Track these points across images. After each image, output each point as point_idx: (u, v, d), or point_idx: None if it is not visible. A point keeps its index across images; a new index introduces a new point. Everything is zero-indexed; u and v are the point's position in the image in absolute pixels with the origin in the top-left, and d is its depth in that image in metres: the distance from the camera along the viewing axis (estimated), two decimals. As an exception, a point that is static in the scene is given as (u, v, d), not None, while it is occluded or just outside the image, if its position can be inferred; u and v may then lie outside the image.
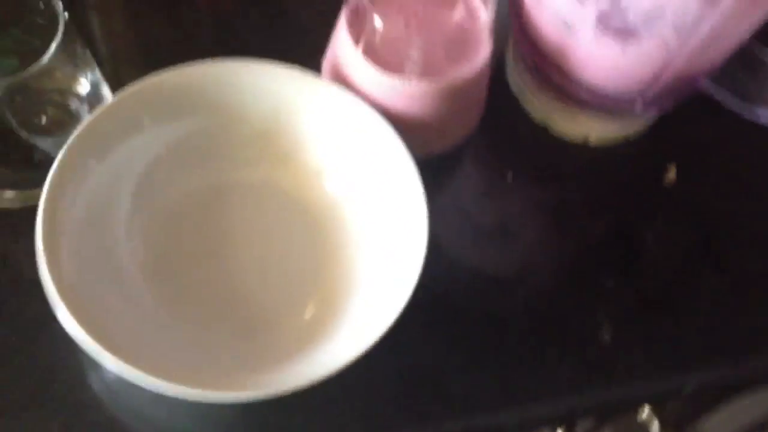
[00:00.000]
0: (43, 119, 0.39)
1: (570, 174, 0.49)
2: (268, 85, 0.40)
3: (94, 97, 0.41)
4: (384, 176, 0.41)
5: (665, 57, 0.40)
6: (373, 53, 0.41)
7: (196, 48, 0.48)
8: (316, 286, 0.41)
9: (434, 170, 0.45)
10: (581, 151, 0.49)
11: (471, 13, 0.42)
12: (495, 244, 0.46)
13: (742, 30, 0.40)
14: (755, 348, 0.44)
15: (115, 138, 0.38)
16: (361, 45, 0.41)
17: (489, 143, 0.49)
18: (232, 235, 0.41)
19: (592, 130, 0.49)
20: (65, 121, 0.40)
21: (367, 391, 0.40)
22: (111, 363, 0.33)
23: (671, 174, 0.49)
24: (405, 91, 0.41)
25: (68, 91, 0.40)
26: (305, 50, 0.44)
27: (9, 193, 0.40)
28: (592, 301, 0.44)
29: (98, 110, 0.37)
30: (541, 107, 0.49)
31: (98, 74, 0.41)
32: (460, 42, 0.42)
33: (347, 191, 0.42)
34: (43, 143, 0.39)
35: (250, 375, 0.36)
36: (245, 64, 0.40)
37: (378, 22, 0.40)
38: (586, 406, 0.43)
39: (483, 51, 0.42)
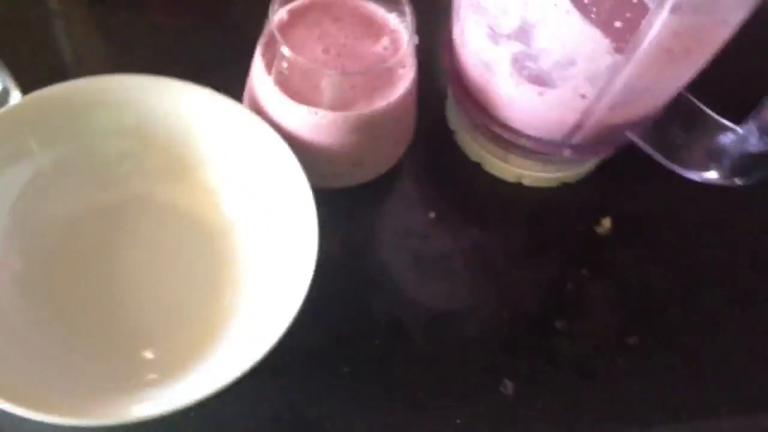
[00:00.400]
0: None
1: (497, 215, 0.47)
2: (169, 102, 0.40)
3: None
4: (280, 200, 0.40)
5: (583, 106, 0.39)
6: (286, 81, 0.40)
7: (139, 60, 0.48)
8: (201, 305, 0.40)
9: (355, 201, 0.45)
10: (514, 192, 0.48)
11: (395, 45, 0.41)
12: (406, 282, 0.45)
13: (666, 83, 0.38)
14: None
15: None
16: (273, 72, 0.40)
17: (421, 177, 0.48)
18: (123, 252, 0.40)
19: (525, 171, 0.47)
20: None
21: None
22: None
23: (606, 224, 0.47)
24: (313, 121, 0.40)
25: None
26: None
27: None
28: (497, 354, 0.43)
29: None
30: (475, 145, 0.47)
31: (6, 78, 0.40)
32: (381, 74, 0.41)
33: (243, 212, 0.41)
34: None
35: (121, 397, 0.35)
36: (146, 80, 0.39)
37: (286, 51, 0.39)
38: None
39: (401, 85, 0.41)
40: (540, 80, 0.38)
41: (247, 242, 0.41)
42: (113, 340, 0.38)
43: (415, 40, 0.40)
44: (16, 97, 0.41)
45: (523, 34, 0.36)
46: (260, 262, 0.40)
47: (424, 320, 0.43)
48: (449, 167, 0.48)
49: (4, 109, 0.38)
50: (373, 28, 0.42)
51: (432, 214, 0.46)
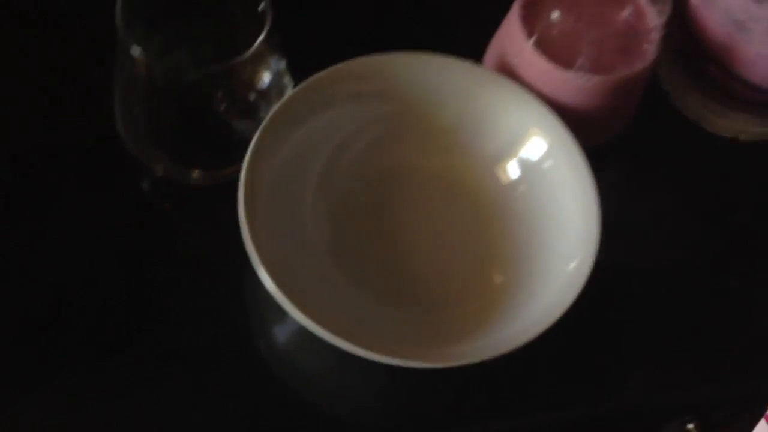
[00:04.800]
0: (239, 104, 0.42)
1: (721, 170, 0.50)
2: (450, 78, 0.43)
3: (277, 86, 0.43)
4: (554, 165, 0.42)
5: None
6: (544, 47, 0.43)
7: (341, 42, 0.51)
8: (489, 264, 0.42)
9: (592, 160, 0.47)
10: (731, 147, 0.50)
11: (639, 11, 0.44)
12: (646, 238, 0.47)
13: None
14: None
15: (308, 117, 0.41)
16: (533, 38, 0.43)
17: (641, 138, 0.50)
18: (408, 216, 0.43)
19: (745, 126, 0.49)
20: (255, 105, 0.42)
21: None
22: (300, 319, 0.36)
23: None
24: (576, 85, 0.42)
25: (259, 78, 0.43)
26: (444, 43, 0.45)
27: (197, 173, 0.44)
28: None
29: (294, 89, 0.41)
30: (693, 104, 0.50)
31: (284, 64, 0.43)
32: (627, 38, 0.43)
33: (518, 180, 0.44)
34: (239, 125, 0.42)
35: (435, 347, 0.38)
36: (430, 57, 0.43)
37: (555, 15, 0.41)
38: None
39: (651, 49, 0.43)
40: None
41: (526, 206, 0.43)
42: (415, 296, 0.42)
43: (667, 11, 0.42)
44: (287, 79, 0.44)
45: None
46: (543, 221, 0.43)
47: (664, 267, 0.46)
48: (667, 126, 0.51)
49: (322, 72, 0.42)
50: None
51: (662, 171, 0.49)
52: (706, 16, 0.44)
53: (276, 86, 0.43)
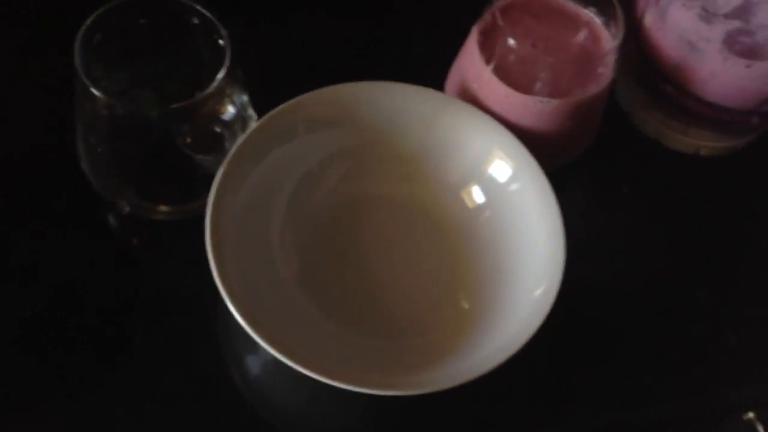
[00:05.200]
0: (203, 138, 0.42)
1: (683, 185, 0.51)
2: (412, 106, 0.43)
3: (240, 119, 0.44)
4: (518, 189, 0.43)
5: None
6: (503, 73, 0.43)
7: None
8: (456, 291, 0.43)
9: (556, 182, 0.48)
10: (693, 162, 0.51)
11: (594, 36, 0.45)
12: (611, 254, 0.48)
13: None
14: None
15: (271, 149, 0.42)
16: (492, 64, 0.43)
17: (603, 158, 0.51)
18: (375, 245, 0.44)
19: (705, 142, 0.50)
20: (220, 139, 0.43)
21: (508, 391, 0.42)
22: (271, 350, 0.36)
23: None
24: (535, 109, 0.43)
25: (222, 111, 0.43)
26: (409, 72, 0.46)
27: (163, 208, 0.44)
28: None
29: (257, 122, 0.41)
30: (653, 122, 0.51)
31: (246, 97, 0.44)
32: (583, 63, 0.44)
33: (483, 204, 0.45)
34: (204, 160, 0.42)
35: (405, 375, 0.38)
36: (391, 85, 0.43)
37: (511, 41, 0.42)
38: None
39: (606, 72, 0.44)
40: (752, 53, 0.41)
41: (491, 230, 0.44)
42: (382, 323, 0.42)
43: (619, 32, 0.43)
44: (251, 111, 0.44)
45: (743, 11, 0.39)
46: (509, 245, 0.43)
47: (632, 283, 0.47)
48: (628, 145, 0.52)
49: (283, 104, 0.43)
50: (571, 21, 0.45)
51: (625, 189, 0.50)
52: (659, 38, 0.45)
53: (239, 119, 0.43)
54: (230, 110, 0.42)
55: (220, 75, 0.38)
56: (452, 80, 0.47)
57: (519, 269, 0.41)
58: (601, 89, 0.44)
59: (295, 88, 0.43)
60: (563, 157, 0.47)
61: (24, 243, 0.44)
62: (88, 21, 0.39)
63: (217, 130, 0.42)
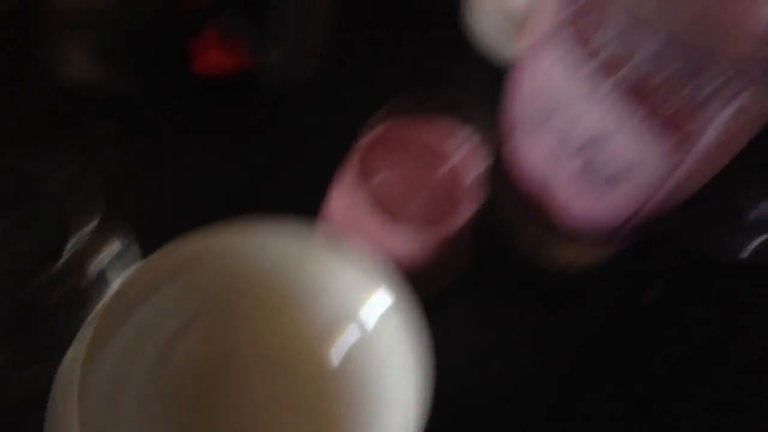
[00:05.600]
0: (65, 296, 0.42)
1: (558, 299, 0.52)
2: (276, 248, 0.44)
3: (122, 261, 0.44)
4: (387, 333, 0.43)
5: (642, 200, 0.44)
6: (378, 200, 0.45)
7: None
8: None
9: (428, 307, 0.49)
10: (566, 274, 0.53)
11: (455, 172, 0.47)
12: (483, 371, 0.49)
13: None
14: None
15: (125, 319, 0.41)
16: (366, 194, 0.45)
17: (479, 277, 0.52)
18: (240, 405, 0.44)
19: (578, 256, 0.52)
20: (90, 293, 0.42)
21: None
22: None
23: (653, 292, 0.53)
24: (406, 238, 0.44)
25: (95, 261, 0.43)
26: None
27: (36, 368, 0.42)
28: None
29: (104, 301, 0.40)
30: (528, 240, 0.52)
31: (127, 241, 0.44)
32: (447, 195, 0.46)
33: (352, 351, 0.45)
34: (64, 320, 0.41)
35: None
36: (246, 230, 0.43)
37: (381, 176, 0.44)
38: None
39: (470, 204, 0.46)
40: (601, 185, 0.43)
41: (355, 380, 0.44)
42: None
43: (484, 165, 0.45)
44: (133, 253, 0.44)
45: (593, 145, 0.42)
46: (369, 397, 0.43)
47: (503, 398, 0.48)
48: (503, 263, 0.53)
49: (138, 266, 0.42)
50: (438, 157, 0.47)
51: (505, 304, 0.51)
52: (519, 170, 0.47)
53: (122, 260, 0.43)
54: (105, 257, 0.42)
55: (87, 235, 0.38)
56: (328, 208, 0.48)
57: (381, 421, 0.41)
58: (466, 220, 0.45)
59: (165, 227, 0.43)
60: (441, 282, 0.49)
61: None
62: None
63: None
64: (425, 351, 0.41)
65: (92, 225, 0.38)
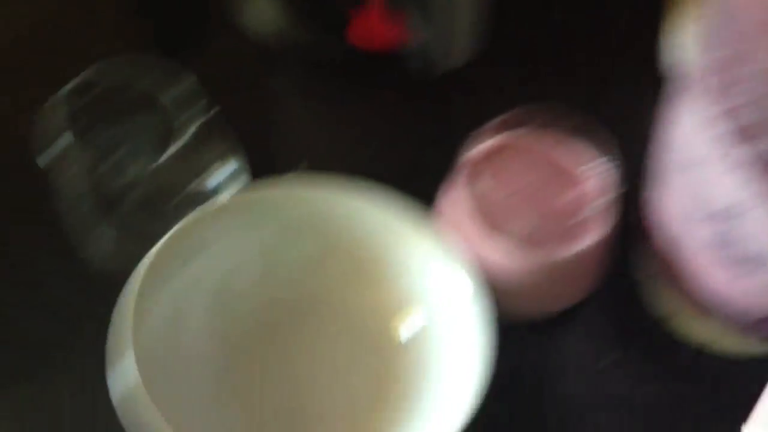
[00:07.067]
0: (172, 200, 0.44)
1: (678, 374, 0.46)
2: (362, 211, 0.43)
3: (229, 184, 0.45)
4: (456, 327, 0.41)
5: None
6: (483, 211, 0.42)
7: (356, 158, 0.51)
8: (363, 413, 0.42)
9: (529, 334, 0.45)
10: (697, 354, 0.46)
11: (581, 197, 0.42)
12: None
13: None
14: None
15: (203, 243, 0.42)
16: (469, 198, 0.42)
17: (599, 320, 0.47)
18: (300, 349, 0.44)
19: (714, 336, 0.45)
20: (198, 200, 0.43)
21: None
22: None
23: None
24: (500, 252, 0.41)
25: (205, 174, 0.44)
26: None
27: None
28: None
29: (190, 216, 0.41)
30: (663, 302, 0.46)
31: (238, 161, 0.45)
32: (566, 219, 0.42)
33: (419, 334, 0.43)
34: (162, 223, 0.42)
35: None
36: (355, 195, 0.43)
37: (490, 184, 0.41)
38: None
39: (592, 235, 0.41)
40: (739, 265, 0.37)
41: (415, 361, 0.43)
42: (283, 425, 0.42)
43: (613, 195, 0.40)
44: (243, 180, 0.46)
45: (725, 217, 0.35)
46: (426, 380, 0.42)
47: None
48: (630, 317, 0.47)
49: (233, 195, 0.43)
50: (565, 177, 0.43)
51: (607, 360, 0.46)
52: (654, 221, 0.41)
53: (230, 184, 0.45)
54: (216, 175, 0.44)
55: (162, 158, 0.40)
56: (439, 205, 0.46)
57: (434, 402, 0.40)
58: (575, 256, 0.41)
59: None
60: (538, 309, 0.45)
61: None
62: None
63: (187, 192, 0.43)
64: (489, 351, 0.39)
65: (211, 146, 0.40)
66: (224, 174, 0.45)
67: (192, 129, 0.40)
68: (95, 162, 0.41)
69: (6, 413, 0.42)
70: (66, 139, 0.40)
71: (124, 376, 0.37)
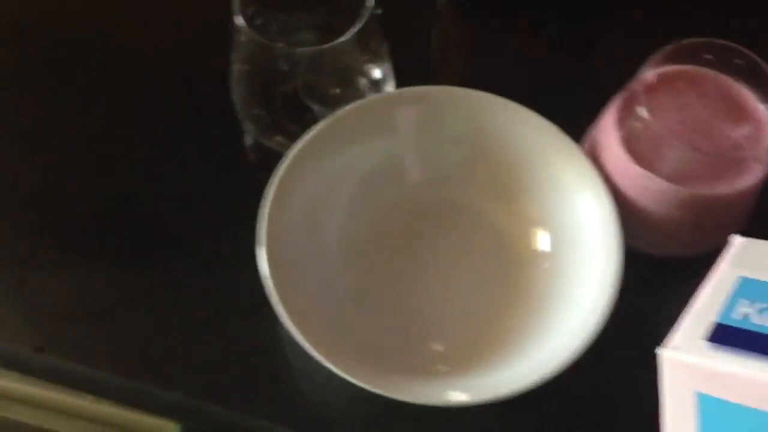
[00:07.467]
0: (329, 91, 0.45)
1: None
2: (510, 125, 0.43)
3: (377, 88, 0.45)
4: (591, 246, 0.42)
5: None
6: (632, 140, 0.41)
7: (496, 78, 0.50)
8: (492, 317, 0.43)
9: (661, 271, 0.44)
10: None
11: (756, 135, 0.40)
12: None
13: None
14: None
15: (345, 142, 0.43)
16: (623, 129, 0.41)
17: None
18: (431, 249, 0.44)
19: None
20: (347, 99, 0.44)
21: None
22: (318, 358, 0.37)
23: None
24: (644, 184, 0.40)
25: (357, 75, 0.45)
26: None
27: (278, 138, 0.46)
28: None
29: (341, 110, 0.42)
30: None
31: (388, 68, 0.45)
32: (731, 160, 0.40)
33: (552, 246, 0.44)
34: (320, 111, 0.44)
35: (449, 387, 0.39)
36: (500, 101, 0.43)
37: (644, 113, 0.39)
38: None
39: (748, 178, 0.40)
40: None
41: (548, 274, 0.43)
42: (411, 325, 0.42)
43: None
44: (390, 86, 0.46)
45: None
46: (556, 294, 0.42)
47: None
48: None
49: (379, 95, 0.44)
50: (738, 112, 0.41)
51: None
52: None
53: (369, 85, 0.45)
54: (369, 74, 0.44)
55: (346, 36, 0.40)
56: (589, 135, 0.45)
57: (566, 313, 0.41)
58: (727, 197, 0.40)
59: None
60: (672, 248, 0.44)
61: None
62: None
63: (338, 90, 0.44)
64: (617, 280, 0.39)
65: (347, 36, 0.40)
66: (374, 77, 0.45)
67: (353, 29, 0.40)
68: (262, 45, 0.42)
69: (167, 280, 0.45)
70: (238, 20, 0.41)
71: (261, 263, 0.39)
